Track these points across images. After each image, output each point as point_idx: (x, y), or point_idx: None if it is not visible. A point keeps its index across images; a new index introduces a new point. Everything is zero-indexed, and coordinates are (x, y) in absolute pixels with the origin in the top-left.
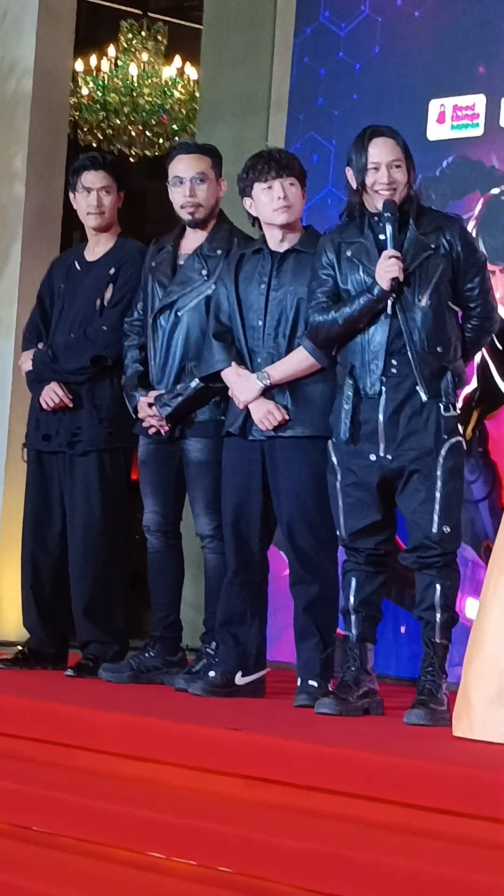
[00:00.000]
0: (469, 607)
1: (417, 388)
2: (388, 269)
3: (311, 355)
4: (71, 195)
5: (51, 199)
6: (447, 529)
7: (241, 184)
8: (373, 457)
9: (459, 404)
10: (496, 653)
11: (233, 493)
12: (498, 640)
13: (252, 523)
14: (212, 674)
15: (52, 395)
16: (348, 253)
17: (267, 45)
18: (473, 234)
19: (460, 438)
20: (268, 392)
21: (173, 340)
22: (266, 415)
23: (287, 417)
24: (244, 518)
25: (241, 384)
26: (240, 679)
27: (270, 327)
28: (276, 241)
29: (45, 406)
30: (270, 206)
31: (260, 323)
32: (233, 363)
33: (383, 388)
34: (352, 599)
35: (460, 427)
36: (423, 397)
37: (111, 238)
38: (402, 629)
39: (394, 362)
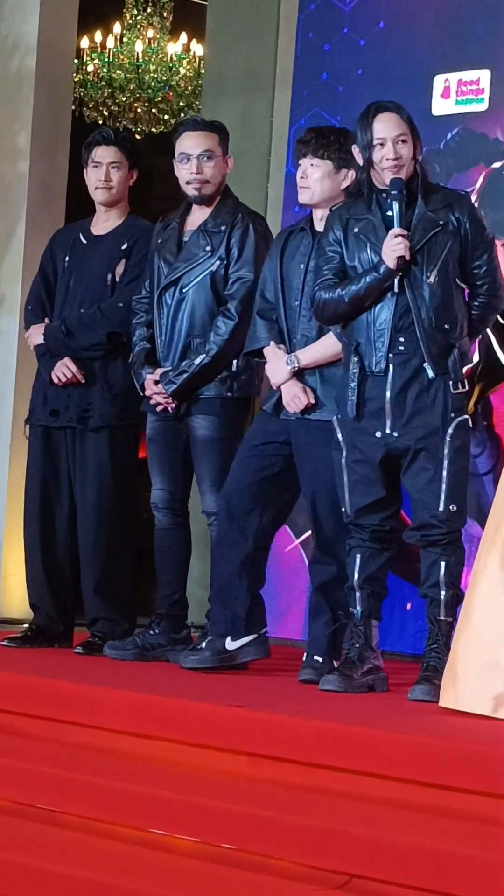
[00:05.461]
0: None
1: (425, 365)
2: (394, 247)
3: (340, 340)
4: (84, 171)
5: (55, 176)
6: (453, 508)
7: None
8: (378, 433)
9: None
10: (484, 625)
11: (248, 453)
12: (486, 613)
13: (252, 486)
14: (202, 645)
15: (65, 370)
16: (356, 230)
17: (272, 21)
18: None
19: (467, 416)
20: (300, 373)
21: (178, 317)
22: (293, 398)
23: (312, 401)
24: (246, 478)
25: (273, 365)
26: (230, 644)
27: (305, 308)
28: (318, 220)
29: (56, 381)
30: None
31: (297, 303)
32: (272, 342)
33: (390, 366)
34: (356, 576)
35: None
36: (431, 374)
37: (120, 214)
38: (408, 606)
39: (401, 339)
